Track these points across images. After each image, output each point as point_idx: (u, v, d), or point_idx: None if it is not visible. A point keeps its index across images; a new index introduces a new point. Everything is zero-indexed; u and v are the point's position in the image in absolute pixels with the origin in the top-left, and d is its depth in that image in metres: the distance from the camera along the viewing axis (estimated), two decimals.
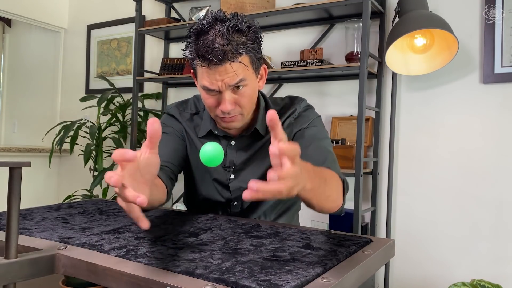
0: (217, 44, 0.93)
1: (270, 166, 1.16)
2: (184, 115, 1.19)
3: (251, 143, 1.14)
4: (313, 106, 1.18)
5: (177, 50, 2.77)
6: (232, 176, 1.14)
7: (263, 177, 1.13)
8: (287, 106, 1.15)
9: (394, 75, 1.99)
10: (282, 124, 1.14)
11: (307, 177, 0.68)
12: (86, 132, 2.67)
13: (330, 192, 0.86)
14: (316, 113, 1.16)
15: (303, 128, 1.12)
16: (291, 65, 2.04)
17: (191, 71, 1.09)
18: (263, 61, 1.12)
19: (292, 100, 1.17)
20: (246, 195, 0.56)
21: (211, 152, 0.72)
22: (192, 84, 2.65)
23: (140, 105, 2.67)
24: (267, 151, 1.13)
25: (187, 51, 1.01)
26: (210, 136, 1.15)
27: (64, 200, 2.75)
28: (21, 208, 0.65)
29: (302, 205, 1.41)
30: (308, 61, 1.99)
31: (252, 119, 1.12)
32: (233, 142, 1.14)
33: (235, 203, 1.15)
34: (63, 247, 0.68)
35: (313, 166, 0.76)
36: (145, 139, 0.65)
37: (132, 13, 2.86)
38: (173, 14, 2.74)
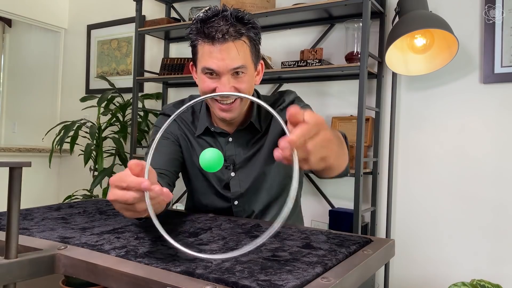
0: (222, 24, 0.97)
1: (271, 164, 1.17)
2: (181, 115, 1.18)
3: (249, 139, 1.14)
4: (301, 98, 1.20)
5: (177, 50, 2.77)
6: (232, 174, 1.14)
7: (263, 175, 1.13)
8: (276, 100, 1.17)
9: (394, 75, 1.99)
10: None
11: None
12: (86, 132, 2.67)
13: (341, 149, 0.79)
14: (304, 103, 1.18)
15: None
16: (291, 65, 2.04)
17: (191, 64, 1.09)
18: (261, 57, 1.13)
19: (282, 94, 1.19)
20: (277, 154, 0.56)
21: (210, 158, 0.72)
22: (192, 84, 2.65)
23: (140, 105, 2.67)
24: (267, 148, 1.13)
25: (191, 34, 1.02)
26: (207, 133, 1.14)
27: (64, 200, 2.75)
28: (21, 208, 0.65)
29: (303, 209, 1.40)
30: (308, 61, 1.99)
31: (247, 114, 1.13)
32: (230, 139, 1.13)
33: (236, 202, 1.15)
34: (63, 247, 0.69)
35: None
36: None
37: (132, 13, 2.86)
38: (173, 14, 2.74)
